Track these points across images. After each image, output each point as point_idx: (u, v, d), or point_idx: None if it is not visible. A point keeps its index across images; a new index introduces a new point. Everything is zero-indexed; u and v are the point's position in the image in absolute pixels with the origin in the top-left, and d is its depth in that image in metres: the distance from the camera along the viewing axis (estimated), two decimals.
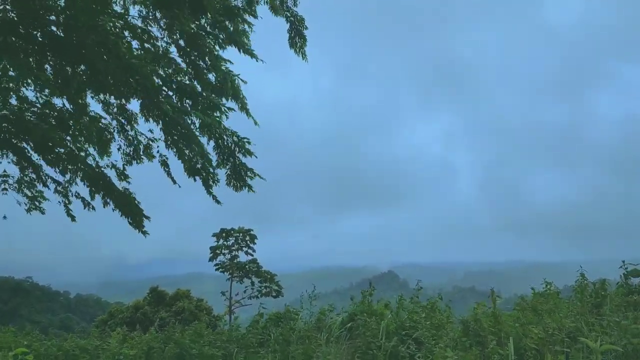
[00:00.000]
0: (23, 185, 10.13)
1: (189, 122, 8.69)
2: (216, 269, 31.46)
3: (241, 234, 31.59)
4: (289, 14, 8.71)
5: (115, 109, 9.27)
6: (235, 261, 31.31)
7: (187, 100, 8.53)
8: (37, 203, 10.43)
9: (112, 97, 8.76)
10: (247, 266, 31.26)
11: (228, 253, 31.56)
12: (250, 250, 31.62)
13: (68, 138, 9.12)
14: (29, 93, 8.67)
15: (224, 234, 31.57)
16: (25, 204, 10.36)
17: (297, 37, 8.96)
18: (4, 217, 10.35)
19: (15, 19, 6.80)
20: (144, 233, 9.90)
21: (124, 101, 8.84)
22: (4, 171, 9.89)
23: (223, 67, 8.34)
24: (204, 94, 8.39)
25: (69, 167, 9.36)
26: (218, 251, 31.46)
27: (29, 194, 10.29)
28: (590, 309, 7.67)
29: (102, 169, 9.61)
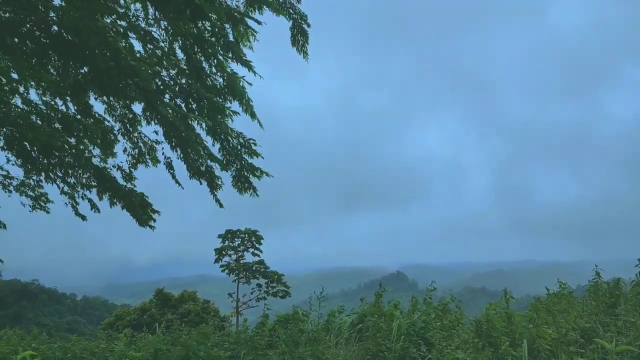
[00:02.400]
0: (27, 188, 10.08)
1: (193, 125, 8.58)
2: (222, 270, 31.34)
3: (247, 235, 31.49)
4: (291, 11, 8.64)
5: (118, 111, 9.21)
6: (241, 262, 31.21)
7: (192, 104, 8.43)
8: (41, 203, 10.37)
9: (115, 99, 8.70)
10: (253, 267, 31.15)
11: (234, 254, 31.46)
12: (256, 251, 31.50)
13: (72, 140, 9.04)
14: (34, 95, 8.63)
15: (229, 235, 31.47)
16: (30, 205, 10.31)
17: (299, 35, 8.90)
18: (4, 227, 10.26)
19: (16, 17, 6.73)
20: (151, 227, 9.78)
21: (126, 102, 8.76)
22: (8, 173, 9.84)
23: (228, 69, 8.24)
24: (207, 95, 8.27)
25: (76, 169, 9.28)
26: (224, 252, 31.36)
27: (33, 194, 10.23)
28: (604, 309, 7.54)
29: (109, 170, 9.53)
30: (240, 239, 31.55)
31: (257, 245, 31.51)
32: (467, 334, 7.39)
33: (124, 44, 7.42)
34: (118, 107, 9.14)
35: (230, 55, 8.11)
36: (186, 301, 31.10)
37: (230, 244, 31.47)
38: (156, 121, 8.52)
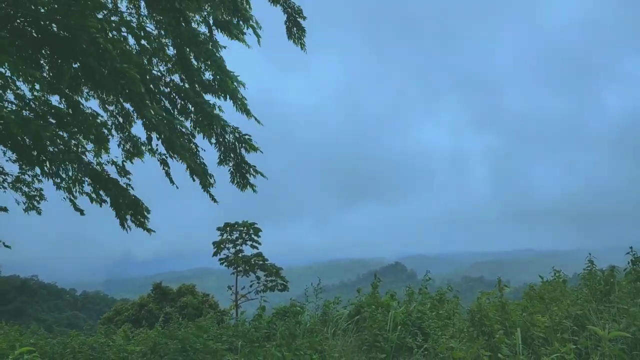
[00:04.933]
0: (22, 184, 10.04)
1: (186, 125, 8.62)
2: (221, 263, 31.40)
3: (245, 228, 31.52)
4: (285, 5, 8.67)
5: (112, 107, 9.18)
6: (240, 255, 31.25)
7: (183, 102, 8.44)
8: (34, 202, 10.34)
9: (106, 95, 8.69)
10: (252, 260, 31.20)
11: (232, 247, 31.50)
12: (255, 244, 31.54)
13: (65, 135, 9.01)
14: (27, 90, 8.58)
15: (227, 228, 31.49)
16: (24, 203, 10.27)
17: (294, 28, 8.92)
18: (5, 210, 10.18)
19: (11, 12, 6.70)
20: (149, 231, 9.69)
21: (118, 99, 8.74)
22: (2, 169, 9.80)
23: (223, 65, 8.25)
24: (197, 101, 8.27)
25: (67, 164, 9.24)
26: (222, 245, 31.40)
27: (27, 190, 10.19)
28: (598, 297, 7.57)
29: (103, 165, 9.50)
30: (238, 232, 31.59)
31: (255, 238, 31.56)
32: (462, 324, 7.43)
33: (115, 36, 7.40)
34: (112, 103, 9.11)
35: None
36: (185, 294, 31.18)
37: (229, 237, 31.51)
38: (143, 122, 8.53)
